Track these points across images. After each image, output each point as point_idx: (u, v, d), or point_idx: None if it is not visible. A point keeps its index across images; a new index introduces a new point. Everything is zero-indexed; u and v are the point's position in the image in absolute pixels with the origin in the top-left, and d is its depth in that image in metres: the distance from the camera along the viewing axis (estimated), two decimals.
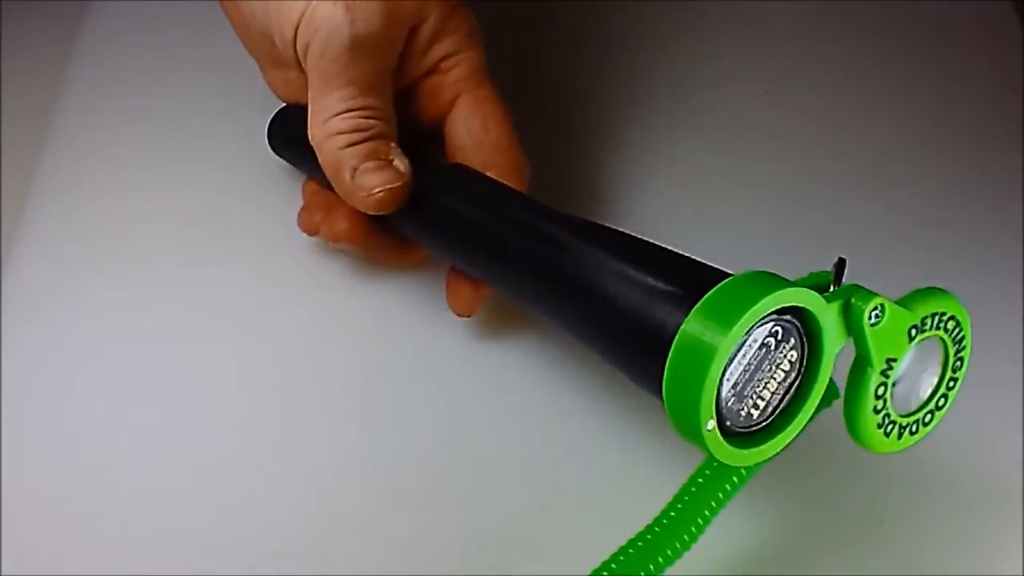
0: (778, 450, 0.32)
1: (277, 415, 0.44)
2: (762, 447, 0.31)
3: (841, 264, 0.32)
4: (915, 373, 0.34)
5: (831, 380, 0.33)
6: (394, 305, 0.47)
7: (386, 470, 0.43)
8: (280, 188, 0.51)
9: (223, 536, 0.41)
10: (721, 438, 0.30)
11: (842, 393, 0.33)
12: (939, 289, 0.33)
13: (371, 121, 0.42)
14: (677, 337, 0.30)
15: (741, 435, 0.31)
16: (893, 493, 0.42)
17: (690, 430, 0.30)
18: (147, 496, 0.42)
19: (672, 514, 0.33)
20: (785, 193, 0.52)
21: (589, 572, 0.33)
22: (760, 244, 0.49)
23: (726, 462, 0.31)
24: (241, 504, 0.41)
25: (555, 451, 0.43)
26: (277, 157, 0.51)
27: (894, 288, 0.32)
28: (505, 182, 0.43)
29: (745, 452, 0.31)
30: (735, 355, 0.30)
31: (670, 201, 0.52)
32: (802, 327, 0.31)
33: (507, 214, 0.40)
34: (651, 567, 0.32)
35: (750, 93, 0.57)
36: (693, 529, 0.33)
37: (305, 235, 0.47)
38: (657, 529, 0.33)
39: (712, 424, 0.30)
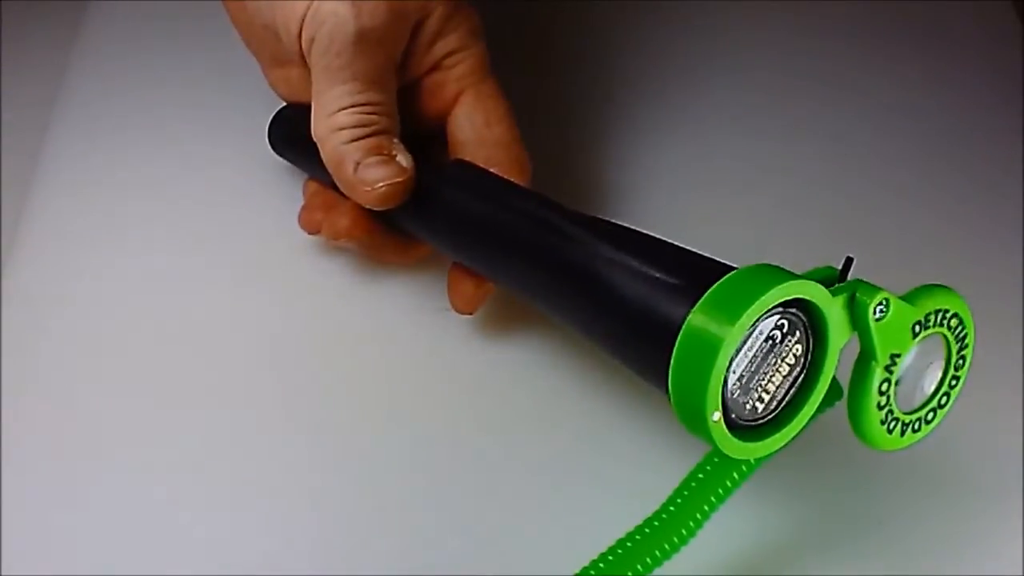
0: (783, 444, 0.32)
1: (277, 414, 0.44)
2: (767, 440, 0.32)
3: (848, 262, 0.32)
4: (918, 370, 0.34)
5: (835, 380, 0.33)
6: (396, 303, 0.47)
7: (386, 468, 0.42)
8: (280, 188, 0.51)
9: (222, 535, 0.40)
10: (726, 430, 0.30)
11: (845, 392, 0.33)
12: (943, 286, 0.33)
13: (374, 116, 0.42)
14: (683, 329, 0.30)
15: (746, 428, 0.31)
16: (893, 493, 0.42)
17: (695, 422, 0.30)
18: (147, 495, 0.41)
19: (671, 508, 0.33)
20: (787, 190, 0.53)
21: (587, 563, 0.33)
22: (762, 241, 0.49)
23: (731, 454, 0.31)
24: (239, 502, 0.41)
25: (558, 448, 0.43)
26: (277, 156, 0.51)
27: (892, 288, 0.32)
28: (508, 178, 0.43)
29: (749, 445, 0.31)
30: (741, 347, 0.30)
31: (673, 196, 0.52)
32: (807, 321, 0.31)
33: (511, 208, 0.40)
34: (648, 560, 0.32)
35: (751, 91, 0.57)
36: (692, 524, 0.33)
37: (306, 234, 0.47)
38: (656, 523, 0.33)
39: (718, 415, 0.30)
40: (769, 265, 0.31)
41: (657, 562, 0.32)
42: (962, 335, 0.34)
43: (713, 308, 0.30)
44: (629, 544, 0.33)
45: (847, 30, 0.61)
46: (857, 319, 0.31)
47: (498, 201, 0.41)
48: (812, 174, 0.54)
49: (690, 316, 0.30)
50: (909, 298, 0.32)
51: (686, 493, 0.33)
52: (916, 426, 0.34)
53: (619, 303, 0.34)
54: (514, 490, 0.42)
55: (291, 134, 0.48)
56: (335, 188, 0.44)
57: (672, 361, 0.30)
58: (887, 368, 0.32)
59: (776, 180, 0.53)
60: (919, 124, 0.56)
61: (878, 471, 0.42)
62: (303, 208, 0.47)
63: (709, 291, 0.30)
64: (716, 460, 0.33)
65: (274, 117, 0.50)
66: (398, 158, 0.42)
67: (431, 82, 0.45)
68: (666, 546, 0.33)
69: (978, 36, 0.61)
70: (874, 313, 0.31)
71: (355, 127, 0.42)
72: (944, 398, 0.34)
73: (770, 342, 0.31)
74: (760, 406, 0.31)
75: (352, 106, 0.42)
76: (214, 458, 0.42)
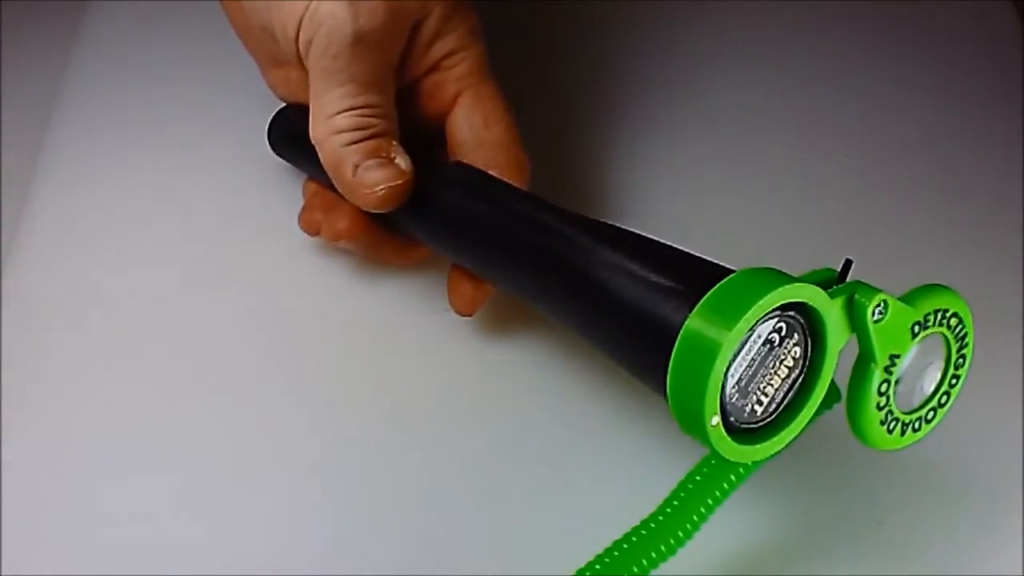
0: (781, 447, 0.32)
1: (276, 414, 0.44)
2: (765, 443, 0.32)
3: (847, 265, 0.32)
4: (918, 370, 0.34)
5: (833, 383, 0.33)
6: (395, 304, 0.47)
7: (386, 469, 0.42)
8: (280, 188, 0.51)
9: (222, 535, 0.40)
10: (725, 434, 0.30)
11: (844, 395, 0.33)
12: (941, 286, 0.33)
13: (373, 119, 0.42)
14: (681, 333, 0.30)
15: (745, 431, 0.31)
16: (893, 493, 0.42)
17: (694, 425, 0.30)
18: (147, 495, 0.41)
19: (668, 510, 0.33)
20: (787, 190, 0.53)
21: (584, 564, 0.33)
22: (761, 242, 0.49)
23: (729, 458, 0.31)
24: (239, 502, 0.41)
25: (557, 450, 0.43)
26: (277, 157, 0.51)
27: (893, 288, 0.32)
28: (507, 179, 0.43)
29: (748, 448, 0.31)
30: (739, 351, 0.30)
31: (672, 198, 0.52)
32: (806, 323, 0.31)
33: (510, 210, 0.40)
34: (644, 562, 0.32)
35: (751, 90, 0.57)
36: (688, 526, 0.33)
37: (306, 235, 0.47)
38: (653, 524, 0.33)
39: (716, 420, 0.30)
40: (767, 268, 0.31)
41: (656, 562, 0.32)
42: (962, 334, 0.34)
43: (711, 312, 0.30)
44: (628, 544, 0.33)
45: (847, 30, 0.61)
46: (855, 321, 0.31)
47: (497, 203, 0.41)
48: (812, 174, 0.53)
49: (688, 320, 0.30)
50: (908, 299, 0.32)
51: (684, 494, 0.33)
52: (916, 425, 0.34)
53: (617, 306, 0.34)
54: (514, 490, 0.42)
55: (291, 135, 0.48)
56: (334, 189, 0.44)
57: (670, 365, 0.30)
58: (886, 369, 0.32)
59: (776, 180, 0.53)
60: (919, 124, 0.56)
61: (877, 471, 0.42)
62: (303, 209, 0.47)
63: (707, 295, 0.30)
64: (715, 461, 0.33)
65: (274, 118, 0.50)
66: (397, 160, 0.42)
67: (430, 83, 0.45)
68: (665, 546, 0.33)
69: (978, 36, 0.61)
70: (872, 315, 0.31)
71: (354, 130, 0.42)
72: (944, 397, 0.34)
73: (768, 345, 0.31)
74: (759, 409, 0.31)
75: (350, 109, 0.42)
76: (214, 458, 0.42)
